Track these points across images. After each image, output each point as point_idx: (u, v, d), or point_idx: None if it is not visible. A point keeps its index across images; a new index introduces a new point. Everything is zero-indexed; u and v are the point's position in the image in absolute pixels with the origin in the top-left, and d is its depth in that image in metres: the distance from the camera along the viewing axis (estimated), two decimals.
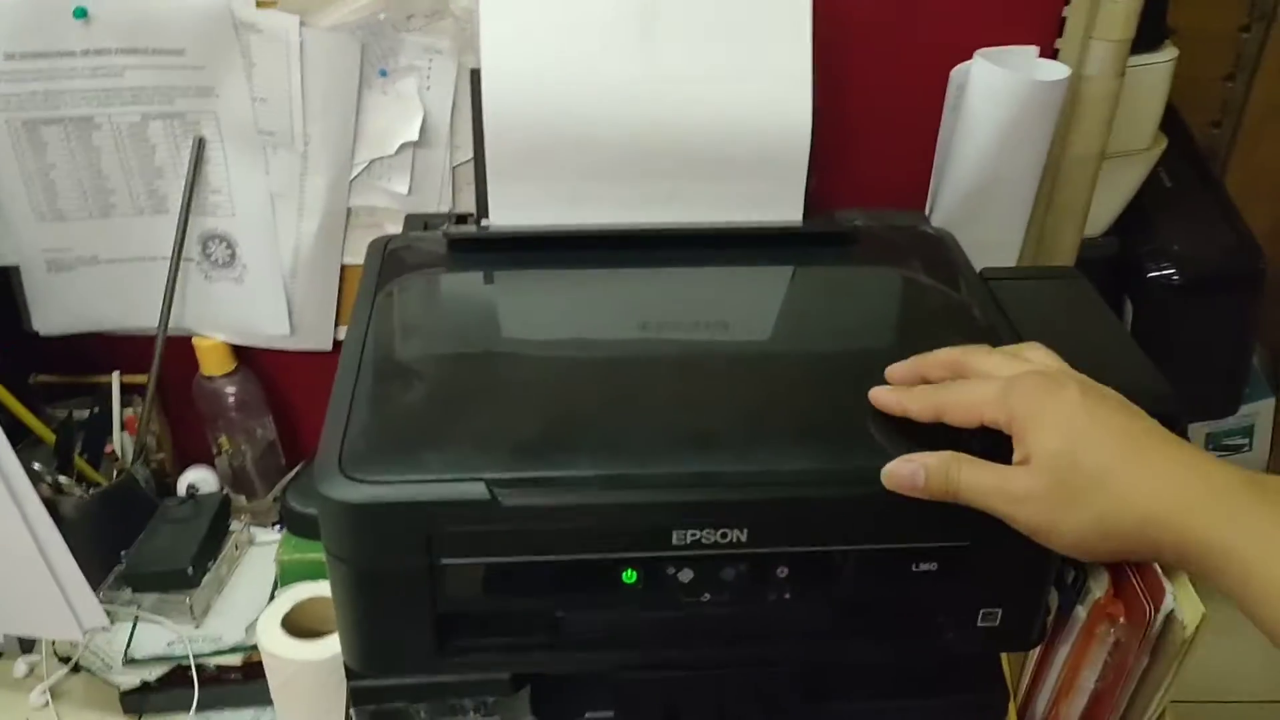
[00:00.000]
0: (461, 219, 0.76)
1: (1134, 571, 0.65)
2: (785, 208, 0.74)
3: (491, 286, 0.70)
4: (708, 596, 0.56)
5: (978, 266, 0.72)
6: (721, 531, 0.53)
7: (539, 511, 0.52)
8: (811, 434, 0.56)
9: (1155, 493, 0.46)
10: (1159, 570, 0.64)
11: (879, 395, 0.56)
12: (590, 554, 0.54)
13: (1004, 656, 0.69)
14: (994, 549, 0.55)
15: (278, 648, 0.78)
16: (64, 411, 0.95)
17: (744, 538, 0.54)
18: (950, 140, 0.86)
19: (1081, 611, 0.65)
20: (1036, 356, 0.55)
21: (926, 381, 0.56)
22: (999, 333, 0.64)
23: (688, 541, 0.54)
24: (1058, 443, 0.49)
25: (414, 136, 0.84)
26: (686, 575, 0.55)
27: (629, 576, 0.55)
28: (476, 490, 0.52)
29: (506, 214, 0.73)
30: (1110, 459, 0.48)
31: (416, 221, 0.76)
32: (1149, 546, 0.47)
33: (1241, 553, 0.43)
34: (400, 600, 0.55)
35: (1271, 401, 1.53)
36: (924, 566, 0.56)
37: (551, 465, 0.53)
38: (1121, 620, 0.64)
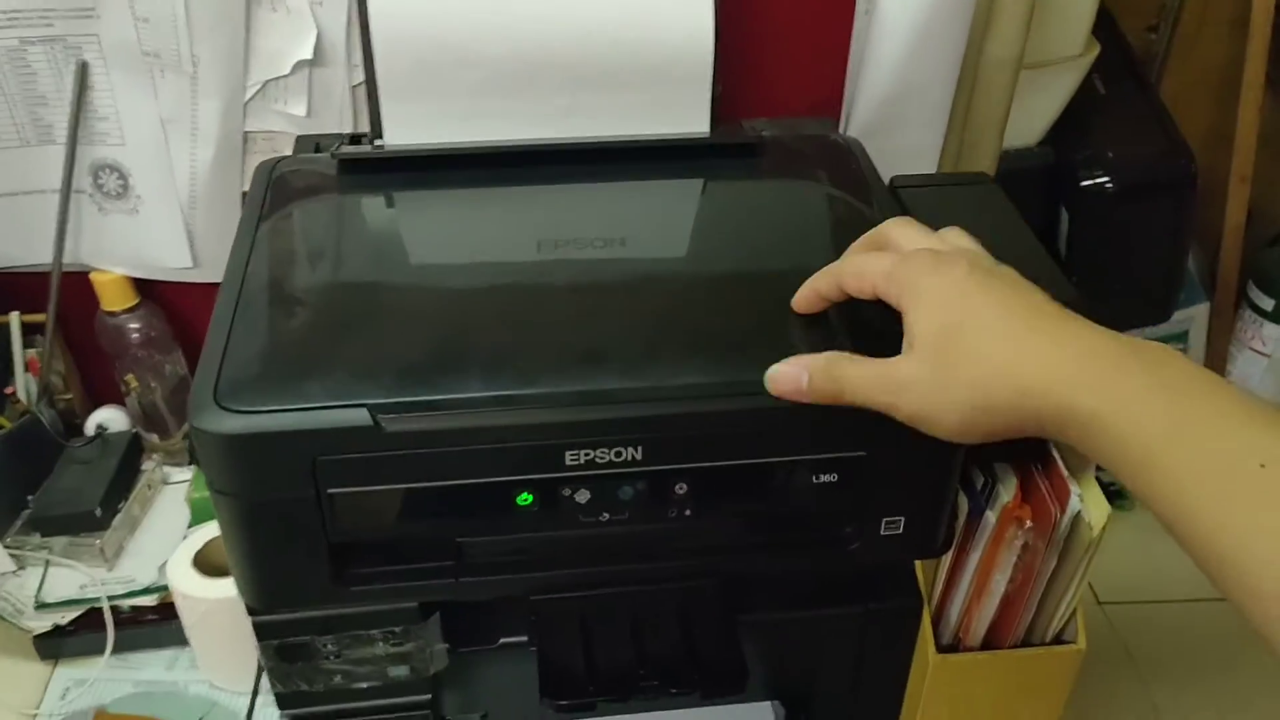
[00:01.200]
0: (356, 140, 0.73)
1: (1041, 475, 0.65)
2: (690, 119, 0.72)
3: (382, 208, 0.67)
4: (606, 516, 0.55)
5: (896, 175, 0.71)
6: (615, 450, 0.52)
7: (424, 436, 0.51)
8: (706, 348, 0.55)
9: (1032, 363, 0.45)
10: (1065, 473, 0.64)
11: (798, 297, 0.55)
12: (481, 478, 0.53)
13: (918, 564, 0.69)
14: (891, 457, 0.54)
15: (188, 586, 0.77)
16: None
17: (639, 455, 0.52)
18: (864, 44, 0.83)
19: (991, 516, 0.65)
20: (951, 237, 0.53)
21: None
22: None
23: (581, 461, 0.52)
24: (938, 319, 0.47)
25: (308, 55, 0.80)
26: (583, 496, 0.54)
27: (524, 499, 0.54)
28: (358, 416, 0.50)
29: (401, 133, 0.71)
30: (989, 333, 0.46)
31: (308, 143, 0.73)
32: (1031, 419, 0.45)
33: (1114, 420, 0.42)
34: (289, 533, 0.53)
35: (1206, 306, 1.53)
36: (824, 478, 0.55)
37: (437, 388, 0.51)
38: (1029, 524, 0.65)
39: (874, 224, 0.64)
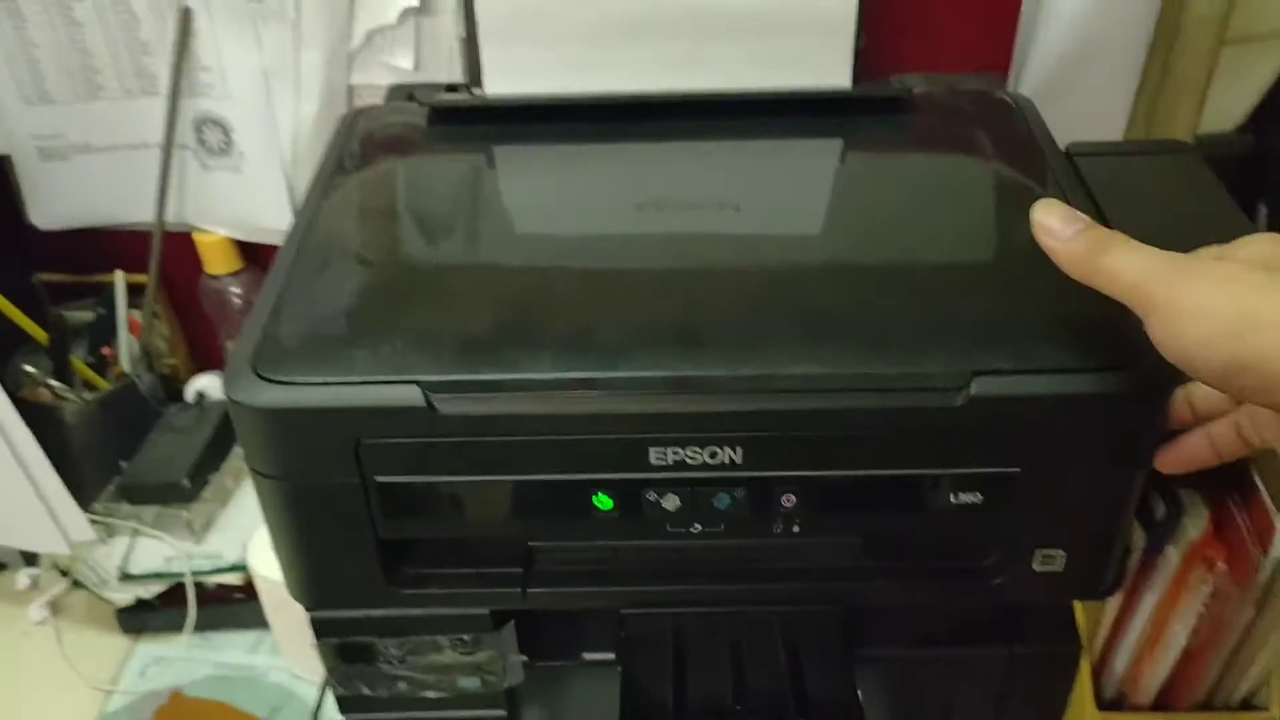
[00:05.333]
0: (453, 90, 0.66)
1: (1239, 507, 0.54)
2: (827, 74, 0.63)
3: (467, 163, 0.59)
4: (698, 528, 0.47)
5: (1074, 142, 0.60)
6: (710, 450, 0.44)
7: (485, 421, 0.43)
8: (826, 332, 0.45)
9: None
10: (1270, 506, 0.52)
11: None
12: (551, 474, 0.45)
13: (1078, 604, 0.58)
14: (1051, 475, 0.44)
15: (267, 569, 0.72)
16: (76, 313, 0.89)
17: (738, 458, 0.44)
18: None
19: (1173, 554, 0.54)
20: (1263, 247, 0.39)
21: None
22: None
23: (669, 461, 0.44)
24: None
25: (415, 2, 0.74)
26: (671, 502, 0.46)
27: (602, 503, 0.46)
28: (409, 395, 0.43)
29: (503, 82, 0.63)
30: None
31: (401, 93, 0.66)
32: None
33: None
34: (334, 525, 0.47)
35: None
36: (964, 498, 0.45)
37: (501, 366, 0.43)
38: (1221, 565, 0.53)
39: (1043, 194, 0.54)
